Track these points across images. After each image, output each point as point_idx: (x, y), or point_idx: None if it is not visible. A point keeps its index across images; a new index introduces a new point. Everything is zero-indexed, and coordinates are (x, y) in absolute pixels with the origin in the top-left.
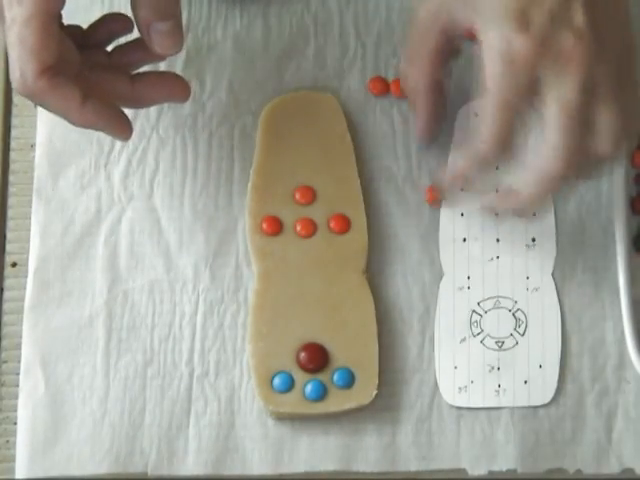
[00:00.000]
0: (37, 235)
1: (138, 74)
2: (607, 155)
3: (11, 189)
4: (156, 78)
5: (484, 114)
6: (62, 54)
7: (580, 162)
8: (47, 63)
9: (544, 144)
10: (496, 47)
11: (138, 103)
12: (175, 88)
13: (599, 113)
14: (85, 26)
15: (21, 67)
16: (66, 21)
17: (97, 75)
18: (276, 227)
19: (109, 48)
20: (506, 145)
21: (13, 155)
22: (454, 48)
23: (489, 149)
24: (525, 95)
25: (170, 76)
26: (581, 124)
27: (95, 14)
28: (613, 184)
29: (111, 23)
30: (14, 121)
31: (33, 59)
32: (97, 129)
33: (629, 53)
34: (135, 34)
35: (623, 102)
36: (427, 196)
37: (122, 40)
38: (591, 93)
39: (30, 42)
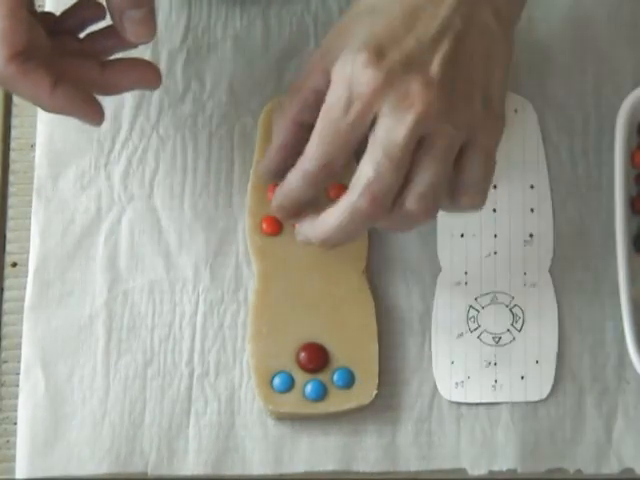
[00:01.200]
0: (37, 235)
1: (109, 61)
2: (412, 213)
3: (11, 189)
4: (126, 64)
5: (314, 135)
6: (32, 40)
7: (387, 207)
8: (17, 48)
9: (356, 177)
10: (342, 74)
11: (109, 89)
12: (146, 74)
13: (420, 167)
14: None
15: None
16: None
17: (68, 61)
18: (276, 227)
19: (82, 35)
20: (328, 169)
21: (13, 155)
22: None
23: (312, 168)
24: (357, 125)
25: (141, 62)
26: (399, 169)
27: None
28: (613, 184)
29: (83, 10)
30: (14, 121)
31: (3, 44)
32: (68, 114)
33: (491, 129)
34: (108, 21)
35: (457, 171)
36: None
37: (95, 28)
38: (421, 146)
39: None
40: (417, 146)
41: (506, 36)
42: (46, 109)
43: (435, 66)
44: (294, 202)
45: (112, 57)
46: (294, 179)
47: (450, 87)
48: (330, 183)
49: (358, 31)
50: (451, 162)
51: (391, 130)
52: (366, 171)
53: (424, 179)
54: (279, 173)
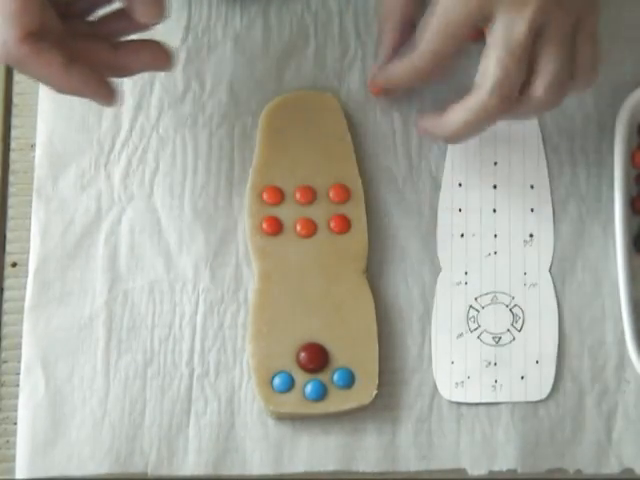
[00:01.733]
0: (37, 235)
1: (121, 42)
2: (541, 101)
3: (11, 189)
4: (139, 45)
5: (427, 30)
6: (44, 21)
7: (514, 100)
8: (29, 28)
9: (482, 75)
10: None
11: (121, 71)
12: (158, 55)
13: (543, 57)
14: None
15: (3, 33)
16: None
17: (79, 43)
18: (276, 227)
19: (93, 18)
20: (439, 65)
21: (13, 155)
22: None
23: (423, 64)
24: (471, 20)
25: (152, 43)
26: (521, 62)
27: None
28: (613, 184)
29: None
30: (14, 121)
31: (15, 24)
32: (82, 95)
33: (593, 7)
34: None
35: (572, 53)
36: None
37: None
38: (540, 35)
39: (11, 7)
40: (536, 37)
41: None
42: (60, 89)
43: None
44: (394, 85)
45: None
46: (402, 70)
47: None
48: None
49: None
50: (570, 47)
51: (510, 27)
52: (492, 70)
53: (549, 68)
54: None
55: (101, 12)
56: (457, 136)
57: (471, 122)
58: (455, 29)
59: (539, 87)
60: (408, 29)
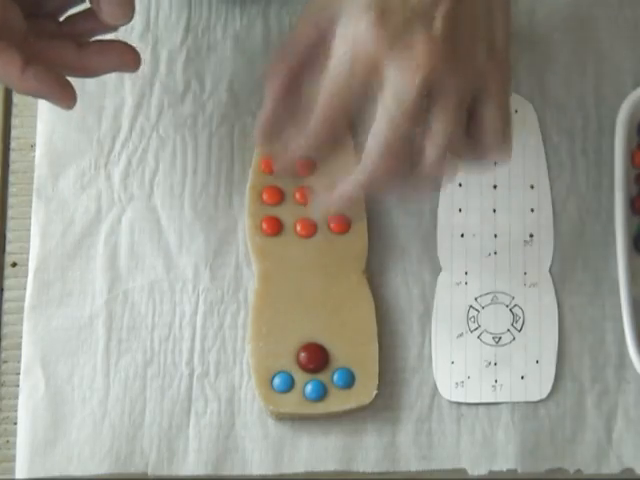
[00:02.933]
0: (37, 235)
1: (86, 43)
2: (433, 166)
3: (11, 189)
4: (104, 46)
5: (320, 94)
6: (5, 20)
7: (406, 163)
8: None
9: (370, 139)
10: (346, 33)
11: (85, 72)
12: (124, 56)
13: (434, 121)
14: None
15: None
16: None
17: (43, 43)
18: (276, 227)
19: (62, 19)
20: (332, 129)
21: (13, 155)
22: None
23: (315, 128)
24: (363, 85)
25: (119, 44)
26: (412, 123)
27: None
28: (613, 184)
29: None
30: (14, 121)
31: None
32: (39, 96)
33: (499, 75)
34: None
35: (475, 120)
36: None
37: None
38: (432, 100)
39: None
40: (428, 101)
41: None
42: (17, 90)
43: (438, 23)
44: (294, 158)
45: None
46: (297, 139)
47: (454, 42)
48: (328, 147)
49: None
50: (463, 110)
51: (400, 89)
52: (381, 128)
53: (439, 129)
54: (275, 134)
55: (69, 12)
56: (351, 201)
57: (366, 186)
58: (345, 92)
59: (429, 149)
60: (294, 86)
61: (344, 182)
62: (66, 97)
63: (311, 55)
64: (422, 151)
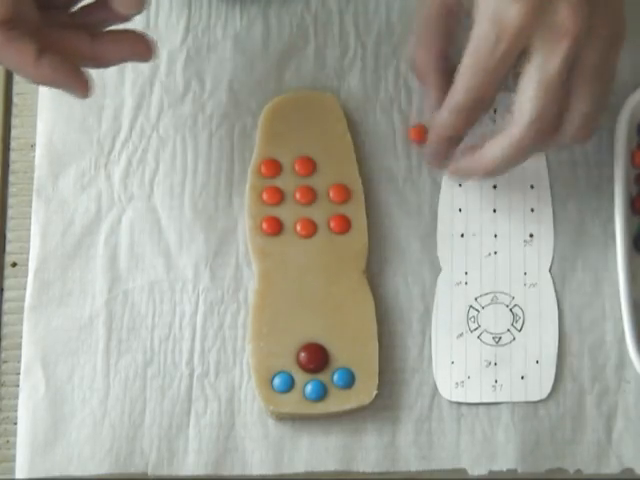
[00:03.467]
0: (37, 235)
1: (99, 32)
2: (576, 135)
3: (11, 189)
4: (117, 36)
5: (463, 69)
6: (19, 10)
7: (549, 135)
8: (2, 17)
9: (517, 111)
10: (489, 11)
11: (99, 62)
12: (138, 46)
13: (577, 93)
14: None
15: None
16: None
17: (56, 33)
18: (276, 227)
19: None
20: (479, 102)
21: (13, 155)
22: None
23: (462, 101)
24: (507, 59)
25: (132, 34)
26: (557, 98)
27: None
28: (613, 184)
29: None
30: (14, 121)
31: None
32: (54, 85)
33: (618, 39)
34: None
35: (600, 87)
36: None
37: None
38: (574, 68)
39: None
40: (570, 71)
41: None
42: (31, 79)
43: None
44: (444, 139)
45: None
46: (445, 112)
47: (592, 7)
48: (478, 118)
49: None
50: (606, 76)
51: (545, 63)
52: (526, 107)
53: (583, 104)
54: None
55: (83, 3)
56: (495, 172)
57: (508, 157)
58: (492, 68)
59: (573, 122)
60: (447, 74)
61: (489, 148)
62: (82, 86)
63: (447, 30)
64: (568, 121)
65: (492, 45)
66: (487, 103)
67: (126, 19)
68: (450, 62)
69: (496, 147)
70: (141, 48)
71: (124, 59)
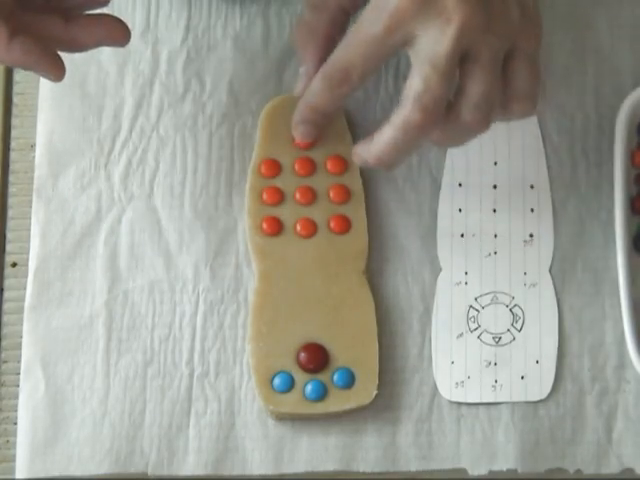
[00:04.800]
0: (37, 235)
1: (74, 16)
2: (467, 122)
3: (11, 189)
4: (92, 20)
5: (341, 42)
6: None
7: (439, 118)
8: None
9: (405, 91)
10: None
11: (73, 45)
12: (112, 30)
13: (469, 79)
14: None
15: None
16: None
17: (30, 16)
18: (276, 227)
19: None
20: (346, 74)
21: (13, 155)
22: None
23: (330, 71)
24: (385, 38)
25: (107, 18)
26: (445, 78)
27: None
28: (613, 184)
29: None
30: (14, 121)
31: None
32: (26, 68)
33: (532, 33)
34: None
35: (505, 79)
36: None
37: None
38: (467, 57)
39: None
40: (463, 59)
41: None
42: (4, 61)
43: None
44: (313, 111)
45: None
46: (315, 83)
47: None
48: (348, 93)
49: None
50: (499, 70)
51: (433, 44)
52: (415, 84)
53: (476, 89)
54: None
55: None
56: (386, 158)
57: (399, 141)
58: (366, 42)
59: (465, 109)
60: (330, 47)
61: (379, 133)
62: (54, 68)
63: (344, 16)
64: (458, 108)
65: (370, 24)
66: (356, 82)
67: (102, 5)
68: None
69: (386, 130)
70: (116, 32)
71: (99, 43)
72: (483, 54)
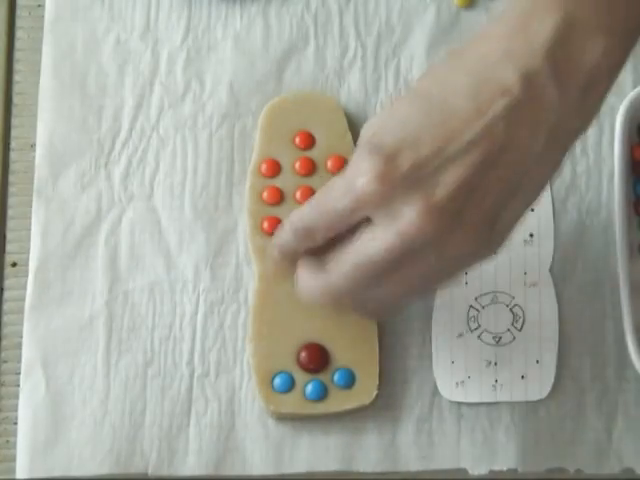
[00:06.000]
0: (37, 235)
1: None
2: (369, 312)
3: (11, 189)
4: None
5: (312, 197)
6: None
7: (359, 301)
8: None
9: (339, 257)
10: (354, 163)
11: None
12: None
13: (390, 283)
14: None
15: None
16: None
17: None
18: (276, 227)
19: None
20: (309, 232)
21: (13, 155)
22: None
23: (295, 224)
24: (344, 216)
25: None
26: (371, 277)
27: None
28: (613, 184)
29: None
30: (14, 121)
31: None
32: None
33: (465, 264)
34: None
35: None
36: None
37: None
38: (398, 268)
39: None
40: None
41: (553, 160)
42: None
43: (443, 190)
44: (283, 249)
45: None
46: (284, 227)
47: (451, 217)
48: (312, 245)
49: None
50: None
51: (370, 242)
52: (348, 261)
53: (385, 297)
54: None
55: None
56: (309, 302)
57: (321, 298)
58: (336, 219)
59: (375, 302)
60: None
61: (304, 279)
62: None
63: None
64: (373, 299)
65: (341, 195)
66: (319, 241)
67: None
68: None
69: (310, 283)
70: None
71: None
72: (416, 269)
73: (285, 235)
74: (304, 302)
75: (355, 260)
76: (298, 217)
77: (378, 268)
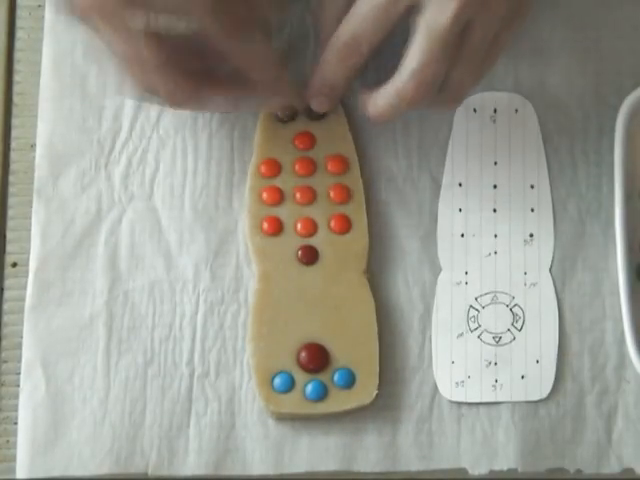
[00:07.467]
0: (37, 235)
1: None
2: (446, 101)
3: (11, 189)
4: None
5: (350, 14)
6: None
7: (434, 88)
8: None
9: (405, 62)
10: None
11: None
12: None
13: (462, 58)
14: None
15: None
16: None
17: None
18: (276, 227)
19: None
20: (355, 46)
21: (13, 155)
22: None
23: (338, 44)
24: (392, 7)
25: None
26: (443, 55)
27: None
28: (613, 184)
29: None
30: (14, 121)
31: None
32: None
33: (513, 22)
34: None
35: (483, 61)
36: None
37: None
38: (464, 35)
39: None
40: (463, 31)
41: None
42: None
43: None
44: (325, 84)
45: None
46: (325, 56)
47: None
48: (359, 65)
49: None
50: (492, 53)
51: (436, 17)
52: (411, 58)
53: (467, 69)
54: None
55: None
56: (382, 117)
57: (392, 106)
58: (374, 11)
59: (451, 87)
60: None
61: (376, 95)
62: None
63: None
64: (449, 82)
65: None
66: (365, 52)
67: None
68: None
69: (382, 95)
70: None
71: None
72: (480, 31)
73: (327, 65)
74: (380, 121)
75: (421, 47)
76: (339, 34)
77: (446, 40)
